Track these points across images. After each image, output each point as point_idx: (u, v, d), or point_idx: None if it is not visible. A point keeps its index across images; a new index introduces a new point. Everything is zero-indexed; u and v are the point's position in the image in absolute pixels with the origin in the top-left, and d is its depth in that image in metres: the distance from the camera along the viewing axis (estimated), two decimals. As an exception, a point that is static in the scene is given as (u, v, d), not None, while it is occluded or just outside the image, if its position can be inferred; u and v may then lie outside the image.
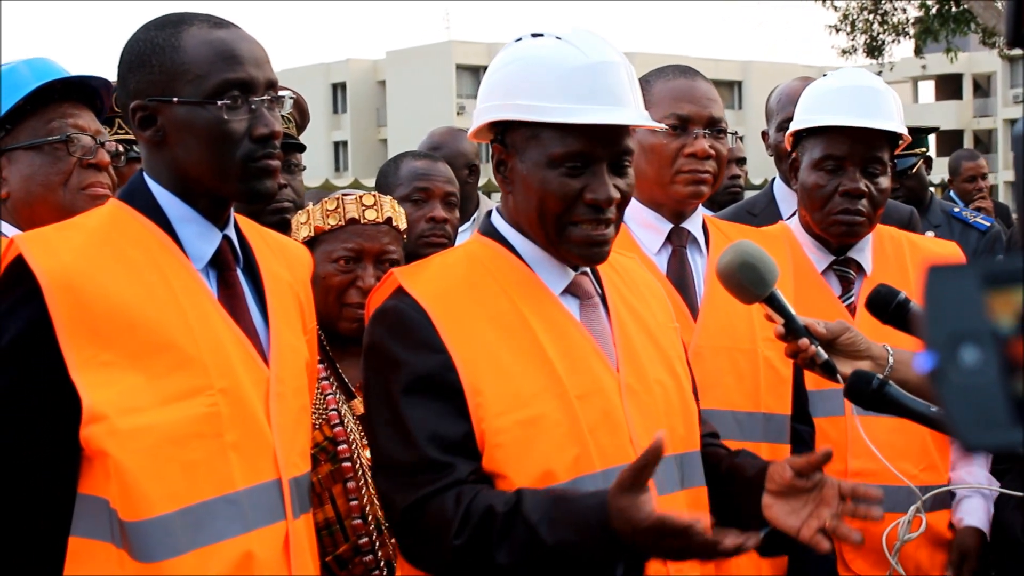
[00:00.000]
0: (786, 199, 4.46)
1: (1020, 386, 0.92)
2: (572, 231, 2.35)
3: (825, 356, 2.65)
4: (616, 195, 2.34)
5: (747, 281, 2.61)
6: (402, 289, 2.36)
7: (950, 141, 55.50)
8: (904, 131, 3.29)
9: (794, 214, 4.31)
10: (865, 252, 3.35)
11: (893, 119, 3.26)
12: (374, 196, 3.08)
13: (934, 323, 0.94)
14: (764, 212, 4.42)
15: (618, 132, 2.36)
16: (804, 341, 2.64)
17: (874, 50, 24.35)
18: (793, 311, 2.66)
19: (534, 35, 2.44)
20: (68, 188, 2.77)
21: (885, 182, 3.26)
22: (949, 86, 67.14)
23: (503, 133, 2.40)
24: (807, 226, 3.36)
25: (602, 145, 2.34)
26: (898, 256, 3.38)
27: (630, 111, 2.37)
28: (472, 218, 5.17)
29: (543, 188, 2.33)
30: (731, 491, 2.49)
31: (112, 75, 2.76)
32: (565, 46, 2.37)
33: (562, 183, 2.32)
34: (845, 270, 3.34)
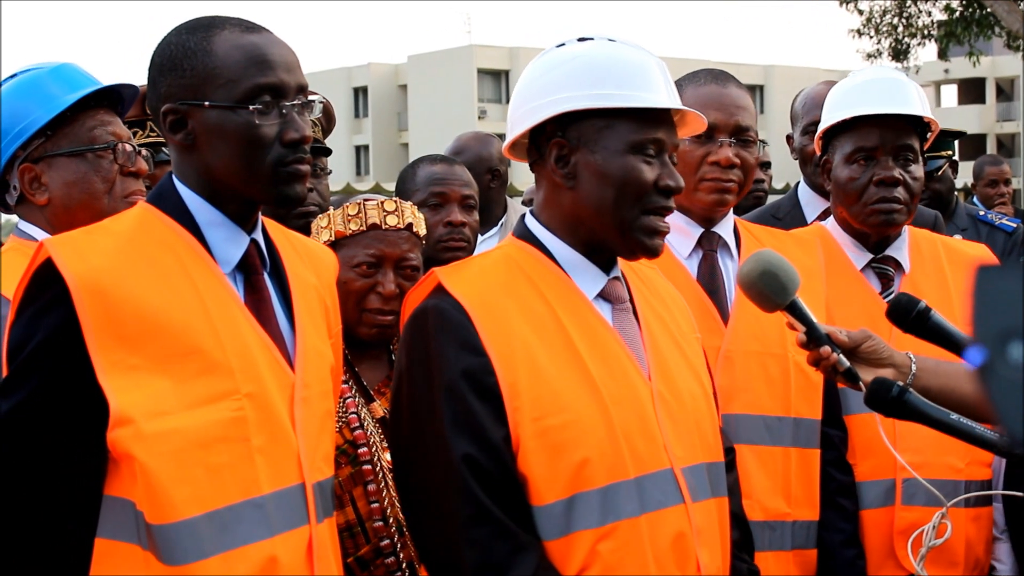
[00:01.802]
0: (811, 203, 4.46)
1: None
2: (643, 220, 2.39)
3: (847, 364, 2.64)
4: (682, 185, 2.43)
5: (768, 289, 2.61)
6: (442, 288, 2.37)
7: (973, 145, 55.28)
8: (932, 116, 3.29)
9: (819, 217, 4.33)
10: (903, 250, 3.35)
11: (918, 106, 3.26)
12: (395, 202, 3.07)
13: (983, 320, 0.96)
14: (788, 216, 4.42)
15: (671, 124, 2.45)
16: (826, 349, 2.64)
17: (899, 54, 24.28)
18: (815, 319, 2.65)
19: (581, 39, 2.48)
20: (112, 196, 2.78)
21: (918, 171, 3.27)
22: (972, 90, 66.86)
23: (564, 128, 2.41)
24: (844, 224, 3.36)
25: (668, 135, 2.42)
26: (934, 256, 3.37)
27: (680, 101, 2.47)
28: (500, 223, 5.16)
29: (624, 174, 2.37)
30: None
31: (113, 76, 2.78)
32: (623, 46, 2.45)
33: (644, 169, 2.38)
34: (884, 267, 3.34)
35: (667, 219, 3.17)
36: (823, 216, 4.34)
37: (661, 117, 2.41)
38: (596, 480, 2.29)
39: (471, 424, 2.28)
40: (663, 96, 2.41)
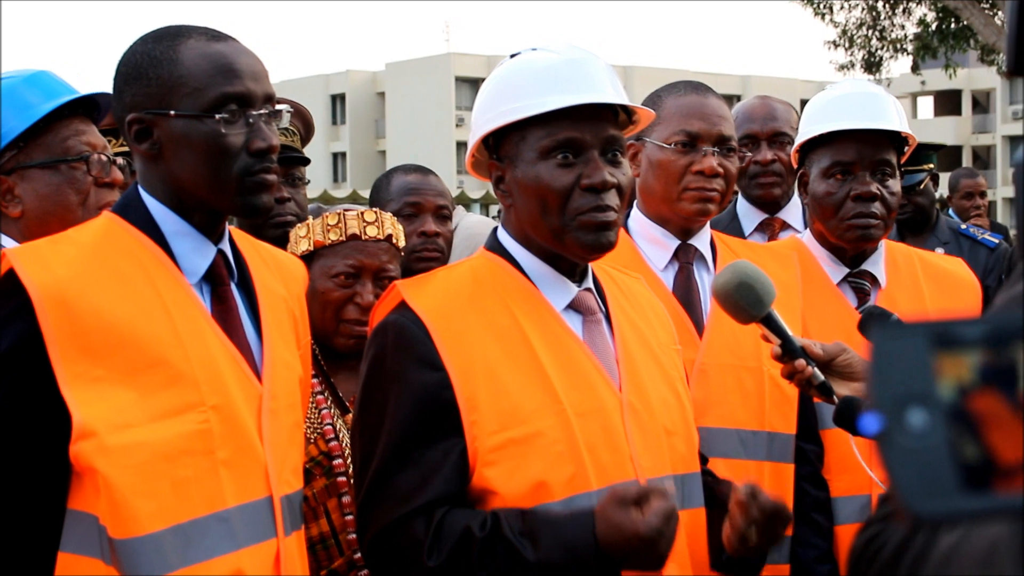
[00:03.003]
0: (748, 215, 4.48)
1: (968, 451, 0.87)
2: (575, 220, 2.34)
3: (822, 377, 2.64)
4: (612, 180, 2.35)
5: (744, 302, 2.59)
6: (404, 303, 2.35)
7: (949, 157, 55.57)
8: (909, 131, 3.29)
9: (756, 229, 4.35)
10: (879, 264, 3.34)
11: (896, 121, 3.26)
12: (375, 212, 3.06)
13: (881, 384, 0.89)
14: (727, 229, 4.42)
15: (603, 120, 2.38)
16: (800, 362, 2.63)
17: (872, 66, 24.39)
18: (790, 332, 2.64)
19: (512, 55, 2.48)
20: (87, 207, 2.72)
21: (895, 185, 3.26)
22: (948, 102, 67.24)
23: (496, 150, 2.42)
24: (821, 238, 3.35)
25: (589, 132, 2.35)
26: (910, 270, 3.37)
27: (607, 93, 2.38)
28: None
29: (538, 183, 2.34)
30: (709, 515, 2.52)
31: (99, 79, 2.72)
32: (540, 53, 2.43)
33: (557, 174, 2.34)
34: (860, 282, 3.33)
35: (644, 230, 3.19)
36: (761, 228, 4.38)
37: (580, 116, 2.35)
38: (556, 492, 2.27)
39: (424, 445, 2.27)
40: (576, 95, 2.35)
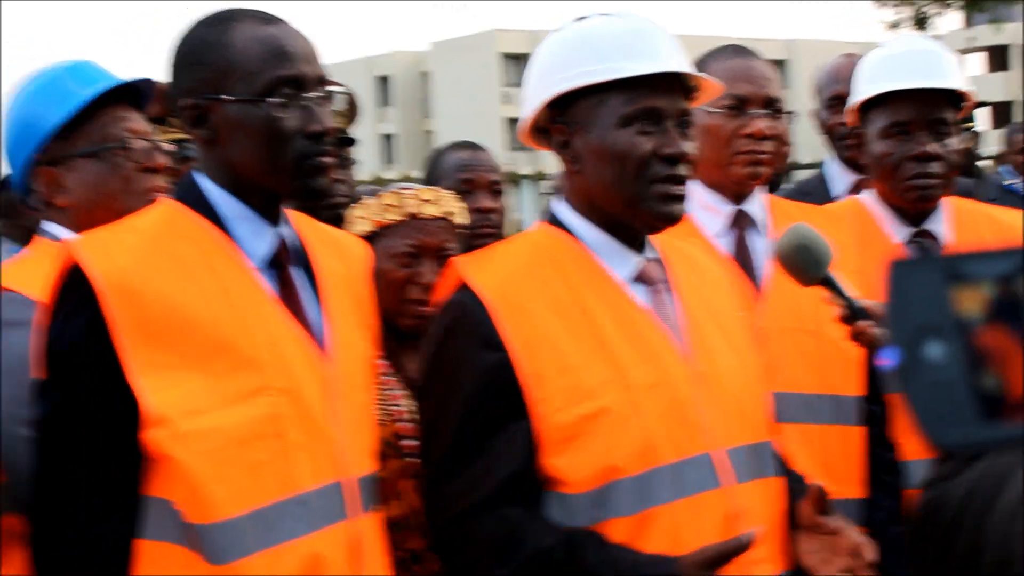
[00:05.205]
0: (835, 178, 4.41)
1: (987, 380, 0.87)
2: (650, 189, 2.32)
3: None
4: (688, 151, 2.35)
5: (803, 264, 2.58)
6: (464, 282, 2.34)
7: (999, 113, 54.83)
8: (967, 87, 3.23)
9: (850, 191, 4.27)
10: (941, 222, 3.29)
11: (953, 79, 3.20)
12: (433, 191, 3.05)
13: (897, 318, 0.90)
14: (815, 191, 4.37)
15: (677, 91, 2.37)
16: (864, 323, 2.60)
17: (921, 22, 24.11)
18: (850, 293, 2.62)
19: (577, 20, 2.45)
20: (130, 194, 2.74)
21: (954, 143, 3.20)
22: (997, 57, 66.31)
23: (563, 113, 2.38)
24: (882, 197, 3.31)
25: (667, 102, 2.34)
26: (975, 227, 3.30)
27: (686, 64, 2.39)
28: None
29: (617, 150, 2.32)
30: None
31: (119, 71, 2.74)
32: (613, 19, 2.40)
33: (637, 142, 2.32)
34: (923, 241, 3.28)
35: (696, 197, 3.16)
36: (853, 190, 4.29)
37: (658, 85, 2.34)
38: (629, 468, 2.25)
39: (490, 427, 2.27)
40: (658, 62, 2.34)
